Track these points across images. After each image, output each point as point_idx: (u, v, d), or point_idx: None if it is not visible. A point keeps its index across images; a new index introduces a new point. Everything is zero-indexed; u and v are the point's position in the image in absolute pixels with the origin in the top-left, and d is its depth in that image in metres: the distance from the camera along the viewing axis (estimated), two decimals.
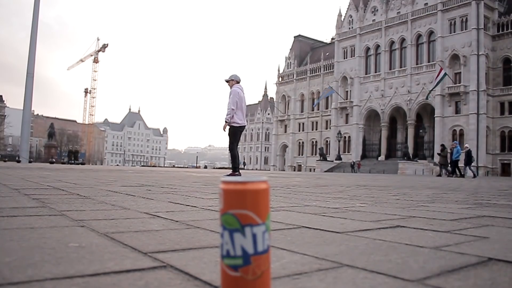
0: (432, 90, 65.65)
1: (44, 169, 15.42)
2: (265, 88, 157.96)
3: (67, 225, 2.06)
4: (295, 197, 4.65)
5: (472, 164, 32.03)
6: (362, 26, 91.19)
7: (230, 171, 12.98)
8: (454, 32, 74.20)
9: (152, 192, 4.79)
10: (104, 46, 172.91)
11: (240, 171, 12.94)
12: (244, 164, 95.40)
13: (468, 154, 31.37)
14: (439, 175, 33.66)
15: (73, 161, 67.52)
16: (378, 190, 6.88)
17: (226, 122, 11.86)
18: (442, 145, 36.12)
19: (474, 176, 30.65)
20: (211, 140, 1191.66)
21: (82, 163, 78.45)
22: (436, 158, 47.24)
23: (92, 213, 2.61)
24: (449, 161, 32.67)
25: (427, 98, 67.36)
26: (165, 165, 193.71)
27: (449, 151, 32.71)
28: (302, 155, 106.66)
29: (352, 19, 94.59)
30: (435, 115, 74.81)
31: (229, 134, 12.04)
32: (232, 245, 0.90)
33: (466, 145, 34.59)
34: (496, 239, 1.93)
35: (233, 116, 11.89)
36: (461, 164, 31.48)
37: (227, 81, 12.22)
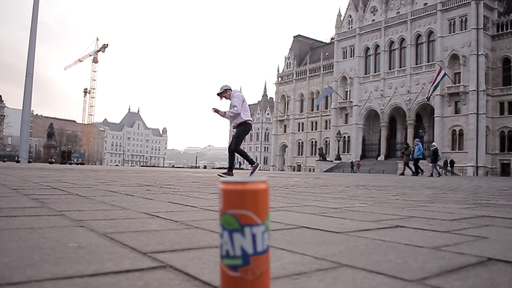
0: (433, 92, 65.45)
1: (43, 169, 15.42)
2: (265, 88, 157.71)
3: (66, 225, 2.06)
4: (294, 197, 4.65)
5: (438, 162, 32.28)
6: (362, 26, 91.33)
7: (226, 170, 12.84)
8: (453, 32, 74.32)
9: (151, 192, 4.79)
10: (104, 46, 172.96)
11: (238, 171, 12.99)
12: (240, 164, 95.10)
13: (435, 152, 31.60)
14: (402, 173, 33.61)
15: (65, 161, 67.26)
16: (377, 190, 6.88)
17: (223, 113, 11.74)
18: (406, 144, 36.24)
19: (439, 175, 30.92)
20: (211, 140, 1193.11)
21: (82, 163, 78.47)
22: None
23: (92, 213, 2.61)
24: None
25: (428, 100, 67.47)
26: (164, 165, 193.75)
27: (412, 149, 32.73)
28: (301, 155, 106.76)
29: (352, 19, 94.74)
30: (434, 115, 74.95)
31: (241, 131, 11.68)
32: (231, 245, 0.90)
33: (434, 143, 34.66)
34: (496, 239, 1.93)
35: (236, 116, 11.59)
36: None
37: (219, 94, 11.76)
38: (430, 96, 63.62)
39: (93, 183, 6.41)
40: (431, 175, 30.79)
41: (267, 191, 0.93)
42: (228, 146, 12.37)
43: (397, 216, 2.91)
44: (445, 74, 62.60)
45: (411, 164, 31.79)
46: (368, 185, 9.14)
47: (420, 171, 30.41)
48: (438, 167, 32.11)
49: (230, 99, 11.66)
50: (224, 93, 11.66)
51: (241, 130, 11.71)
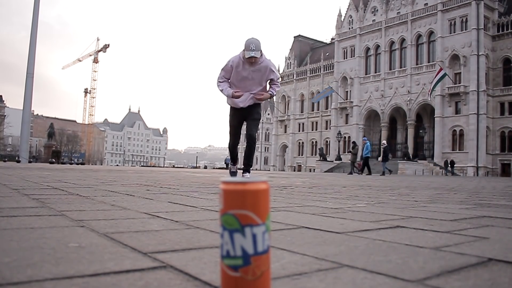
0: (433, 89, 65.41)
1: (44, 169, 15.43)
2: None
3: (67, 225, 2.06)
4: (294, 197, 4.65)
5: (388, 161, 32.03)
6: (362, 26, 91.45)
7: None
8: (454, 32, 74.48)
9: (151, 192, 4.79)
10: (105, 46, 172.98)
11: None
12: (228, 163, 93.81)
13: (385, 151, 31.30)
14: (350, 173, 32.71)
15: (56, 161, 66.91)
16: (377, 190, 6.88)
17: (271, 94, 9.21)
18: (354, 142, 35.69)
19: (388, 173, 30.84)
20: (211, 140, 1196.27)
21: (82, 163, 78.48)
22: (435, 158, 46.76)
23: (92, 213, 2.61)
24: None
25: (429, 97, 67.71)
26: (165, 165, 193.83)
27: (360, 148, 32.33)
28: (302, 155, 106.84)
29: (352, 19, 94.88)
30: (435, 115, 75.06)
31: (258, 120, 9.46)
32: (232, 245, 0.90)
33: (383, 142, 34.32)
34: (496, 240, 1.93)
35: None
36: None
37: (254, 58, 8.47)
38: (431, 94, 63.73)
39: (94, 183, 6.41)
40: (383, 173, 30.75)
41: (267, 191, 0.93)
42: (231, 144, 9.82)
43: (397, 216, 2.91)
44: (445, 73, 62.64)
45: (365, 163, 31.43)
46: (369, 185, 9.14)
47: (368, 170, 30.12)
48: (387, 165, 31.90)
49: (256, 63, 8.68)
50: (258, 57, 8.59)
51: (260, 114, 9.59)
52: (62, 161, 68.03)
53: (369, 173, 30.04)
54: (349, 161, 34.44)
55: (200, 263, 1.32)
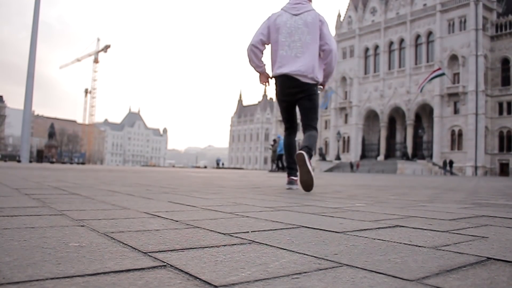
0: (426, 83, 65.56)
1: (44, 169, 15.42)
2: (265, 88, 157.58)
3: (67, 224, 2.06)
4: (294, 197, 4.65)
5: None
6: (361, 26, 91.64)
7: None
8: (452, 33, 74.54)
9: (151, 191, 4.79)
10: (107, 47, 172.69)
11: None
12: (218, 163, 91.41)
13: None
14: (272, 170, 32.87)
15: (40, 160, 66.77)
16: (377, 190, 6.87)
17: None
18: (274, 140, 35.48)
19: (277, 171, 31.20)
20: (211, 140, 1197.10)
21: (83, 163, 78.62)
22: (434, 158, 46.69)
23: (92, 212, 2.61)
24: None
25: (421, 91, 67.86)
26: (165, 165, 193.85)
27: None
28: None
29: (351, 20, 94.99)
30: (434, 115, 75.23)
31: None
32: None
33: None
34: (495, 239, 1.93)
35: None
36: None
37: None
38: (422, 88, 63.86)
39: (94, 183, 6.41)
40: (283, 169, 30.82)
41: None
42: (288, 143, 6.91)
43: (397, 215, 2.91)
44: (443, 73, 62.72)
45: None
46: (368, 185, 9.14)
47: (282, 167, 30.28)
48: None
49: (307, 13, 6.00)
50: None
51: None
52: (63, 161, 67.99)
53: (283, 169, 30.22)
54: (273, 160, 34.41)
55: (200, 263, 1.32)
